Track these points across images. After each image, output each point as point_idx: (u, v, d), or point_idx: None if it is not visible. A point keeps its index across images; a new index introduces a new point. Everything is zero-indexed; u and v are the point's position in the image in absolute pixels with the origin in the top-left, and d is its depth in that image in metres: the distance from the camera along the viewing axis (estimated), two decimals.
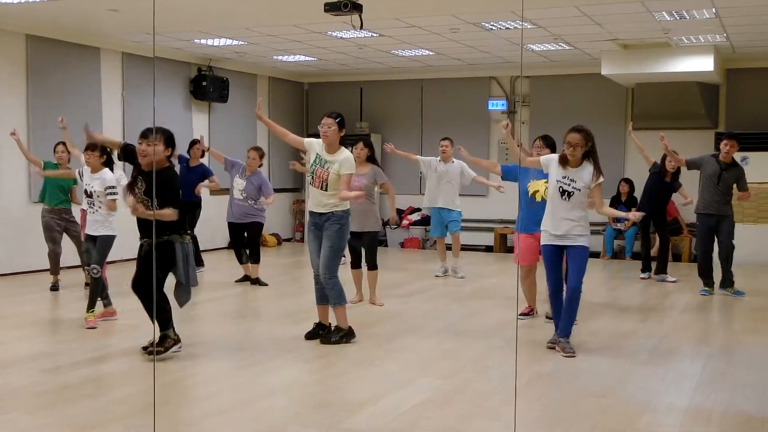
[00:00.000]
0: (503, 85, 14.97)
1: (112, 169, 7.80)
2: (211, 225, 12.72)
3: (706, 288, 9.88)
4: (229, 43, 12.32)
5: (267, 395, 5.47)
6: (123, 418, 4.89)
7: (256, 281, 10.05)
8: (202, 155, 11.14)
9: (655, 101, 13.26)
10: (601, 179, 6.51)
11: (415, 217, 15.21)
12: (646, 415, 5.11)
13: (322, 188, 6.80)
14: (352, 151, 8.28)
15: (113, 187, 7.56)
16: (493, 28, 10.78)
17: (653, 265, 11.21)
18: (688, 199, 10.94)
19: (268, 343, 7.01)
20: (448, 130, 15.01)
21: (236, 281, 10.22)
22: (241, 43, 12.33)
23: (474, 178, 10.84)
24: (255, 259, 10.07)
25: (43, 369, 5.97)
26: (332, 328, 6.99)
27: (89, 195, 7.64)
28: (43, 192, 9.33)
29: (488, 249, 14.70)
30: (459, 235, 11.11)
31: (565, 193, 6.48)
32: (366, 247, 8.68)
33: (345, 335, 6.92)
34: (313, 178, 6.87)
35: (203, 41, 12.19)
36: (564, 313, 6.62)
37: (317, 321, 7.07)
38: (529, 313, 8.17)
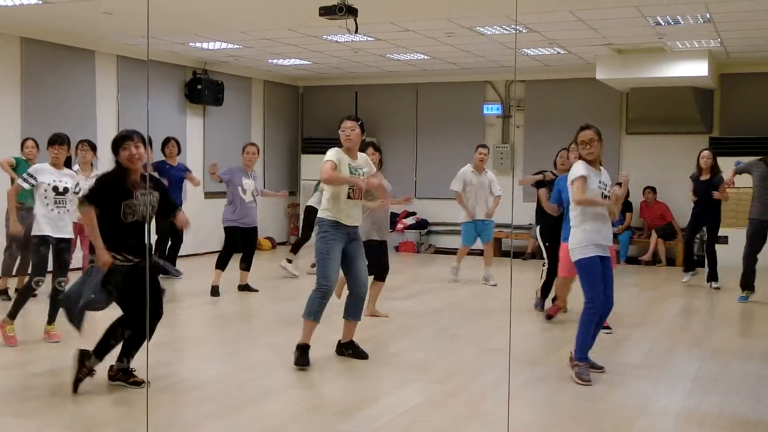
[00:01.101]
0: (498, 89, 14.99)
1: (71, 168, 7.37)
2: (206, 229, 12.68)
3: (746, 294, 9.55)
4: (224, 46, 12.31)
5: (261, 399, 5.45)
6: (116, 422, 4.88)
7: (246, 287, 9.82)
8: (179, 152, 10.96)
9: (650, 106, 13.29)
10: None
11: (410, 221, 15.22)
12: (640, 418, 5.11)
13: (362, 198, 6.49)
14: None
15: (79, 184, 7.09)
16: (488, 32, 10.79)
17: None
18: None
19: (262, 347, 7.00)
20: (443, 134, 15.08)
21: (212, 295, 9.50)
22: (236, 46, 12.32)
23: (495, 198, 10.71)
24: (249, 266, 9.82)
25: (35, 373, 5.95)
26: (352, 342, 6.61)
27: (60, 192, 6.95)
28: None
29: (482, 253, 14.68)
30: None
31: (606, 199, 6.04)
32: (384, 257, 8.21)
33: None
34: (353, 190, 6.34)
35: (198, 44, 12.19)
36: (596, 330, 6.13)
37: (300, 344, 6.35)
38: (555, 313, 8.19)
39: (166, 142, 10.89)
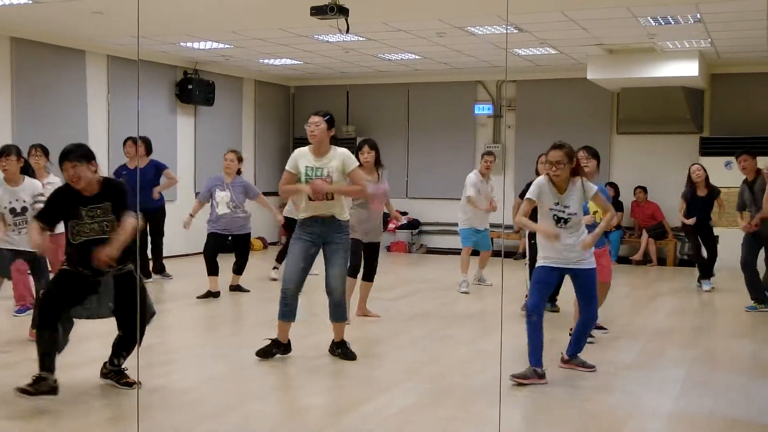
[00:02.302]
0: (489, 89, 14.99)
1: (31, 176, 6.99)
2: (197, 231, 12.63)
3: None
4: (215, 46, 12.29)
5: (252, 400, 5.45)
6: (106, 425, 4.86)
7: (237, 288, 9.75)
8: (149, 152, 10.38)
9: (641, 106, 13.32)
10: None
11: (402, 220, 15.20)
12: (631, 420, 5.12)
13: (328, 198, 6.21)
14: (358, 157, 7.74)
15: (43, 195, 6.58)
16: (479, 32, 10.80)
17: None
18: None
19: (253, 348, 6.98)
20: (435, 134, 15.09)
21: (198, 297, 9.37)
22: (227, 46, 12.29)
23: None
24: (241, 270, 9.71)
25: (22, 374, 5.92)
26: (342, 343, 6.54)
27: (18, 213, 6.75)
28: None
29: (475, 253, 14.69)
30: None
31: (561, 221, 5.91)
32: (374, 258, 8.18)
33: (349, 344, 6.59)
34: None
35: (189, 44, 12.15)
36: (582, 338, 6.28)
37: (274, 338, 6.46)
38: None
39: (126, 141, 10.50)
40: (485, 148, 14.75)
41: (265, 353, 6.42)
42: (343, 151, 6.35)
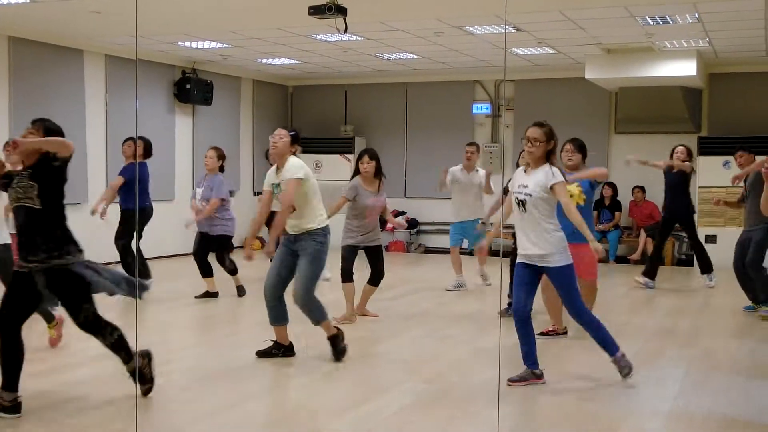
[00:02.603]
0: (488, 88, 14.99)
1: None
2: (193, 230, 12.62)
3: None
4: (213, 45, 12.28)
5: (250, 399, 5.45)
6: (104, 424, 4.86)
7: (240, 290, 9.46)
8: (148, 155, 9.77)
9: (639, 105, 13.32)
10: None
11: (400, 220, 15.17)
12: (629, 419, 5.13)
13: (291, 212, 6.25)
14: (358, 167, 8.04)
15: None
16: (478, 31, 10.80)
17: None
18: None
19: (250, 348, 6.98)
20: (433, 133, 15.08)
21: (197, 297, 9.31)
22: (225, 45, 12.29)
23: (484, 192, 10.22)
24: (230, 270, 9.43)
25: (22, 374, 5.91)
26: (336, 342, 6.43)
27: None
28: None
29: (471, 252, 14.70)
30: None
31: (519, 204, 5.68)
32: (378, 261, 8.19)
33: (341, 339, 6.47)
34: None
35: (187, 44, 12.15)
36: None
37: (274, 340, 6.50)
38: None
39: (125, 140, 10.03)
40: (483, 147, 14.80)
41: (264, 353, 6.44)
42: (292, 162, 6.25)
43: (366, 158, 8.06)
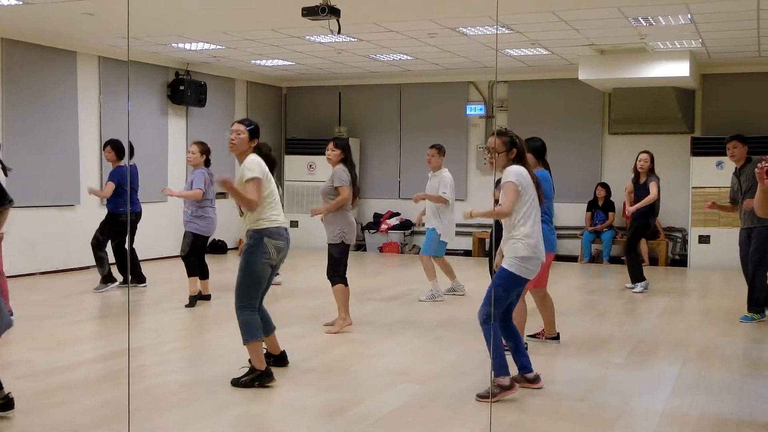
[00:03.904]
0: (481, 89, 15.01)
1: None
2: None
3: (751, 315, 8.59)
4: (206, 47, 12.27)
5: (244, 401, 5.44)
6: (98, 425, 4.84)
7: (206, 296, 9.25)
8: (132, 155, 9.51)
9: (632, 106, 13.35)
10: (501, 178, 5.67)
11: (394, 221, 15.20)
12: (622, 418, 5.13)
13: (240, 214, 5.93)
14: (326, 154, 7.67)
15: None
16: (471, 32, 10.80)
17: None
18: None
19: (243, 349, 6.96)
20: (427, 134, 15.05)
21: (186, 306, 9.01)
22: (218, 47, 12.28)
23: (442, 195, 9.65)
24: (202, 273, 9.19)
25: (17, 376, 5.90)
26: (275, 355, 6.19)
27: None
28: None
29: (466, 253, 14.73)
30: (444, 258, 9.95)
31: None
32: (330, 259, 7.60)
33: (257, 377, 5.79)
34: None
35: (180, 45, 12.13)
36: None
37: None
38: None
39: (105, 145, 9.99)
40: (477, 148, 14.83)
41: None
42: (248, 159, 5.89)
43: (330, 145, 7.66)
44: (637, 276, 10.41)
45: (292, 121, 16.19)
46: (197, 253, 9.18)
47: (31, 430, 4.74)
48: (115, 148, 9.84)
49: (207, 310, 8.99)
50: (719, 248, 10.81)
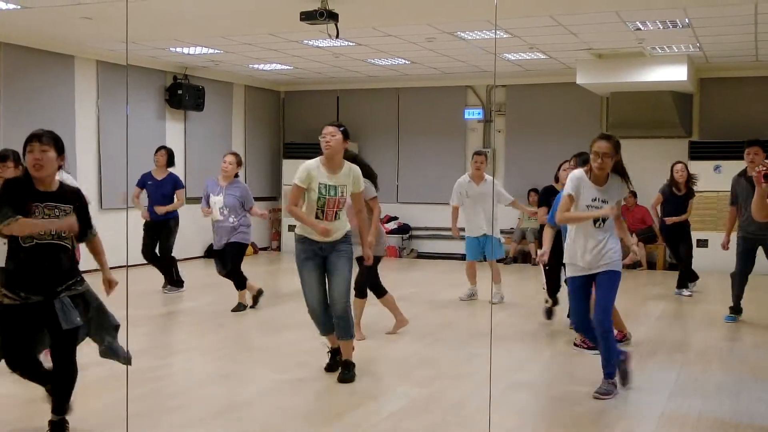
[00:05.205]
0: (479, 93, 15.02)
1: None
2: (187, 235, 12.62)
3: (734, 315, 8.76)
4: (204, 51, 12.27)
5: (241, 406, 5.43)
6: (97, 429, 4.83)
7: (239, 306, 8.99)
8: (171, 163, 10.15)
9: (630, 110, 13.36)
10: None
11: (392, 225, 15.20)
12: (621, 421, 5.13)
13: (337, 218, 5.91)
14: None
15: None
16: (469, 37, 10.82)
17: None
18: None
19: (242, 354, 6.97)
20: (425, 138, 15.12)
21: (233, 310, 8.96)
22: (217, 51, 12.28)
23: (513, 202, 9.84)
24: (237, 284, 8.96)
25: (15, 380, 5.88)
26: (343, 362, 6.10)
27: None
28: None
29: (464, 257, 14.70)
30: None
31: (599, 219, 5.67)
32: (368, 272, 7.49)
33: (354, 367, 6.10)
34: (324, 211, 5.86)
35: (179, 50, 12.14)
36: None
37: (333, 348, 6.26)
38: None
39: (158, 150, 10.20)
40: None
41: (331, 367, 6.23)
42: (357, 170, 6.01)
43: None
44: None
45: (290, 125, 16.19)
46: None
47: None
48: (168, 153, 10.17)
49: (205, 314, 8.97)
50: (717, 252, 10.75)
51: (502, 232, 9.35)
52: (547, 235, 7.22)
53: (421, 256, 15.12)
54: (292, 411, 5.36)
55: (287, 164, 15.44)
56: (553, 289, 8.19)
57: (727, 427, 5.06)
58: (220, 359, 6.77)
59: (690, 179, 10.25)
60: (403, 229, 15.25)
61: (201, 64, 13.57)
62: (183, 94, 13.53)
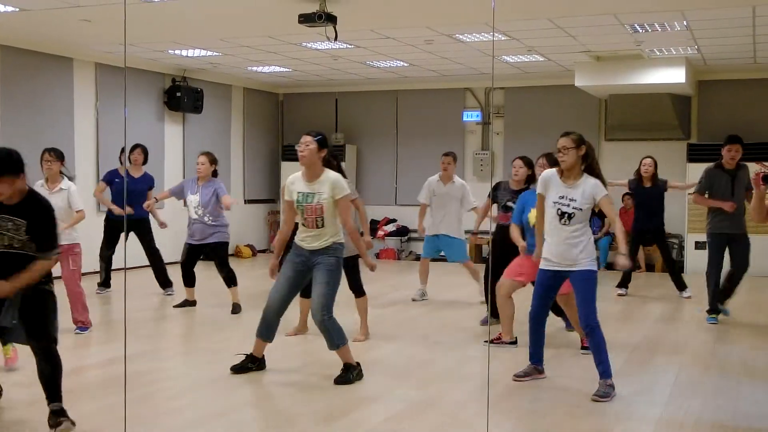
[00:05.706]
0: (478, 96, 15.03)
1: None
2: (179, 238, 12.60)
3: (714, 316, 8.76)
4: (203, 53, 12.27)
5: (239, 408, 5.43)
6: (94, 431, 4.84)
7: (236, 307, 9.00)
8: (145, 161, 10.13)
9: (628, 112, 13.37)
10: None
11: (391, 228, 15.20)
12: (619, 425, 5.13)
13: (318, 226, 5.95)
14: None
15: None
16: (467, 39, 10.82)
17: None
18: (682, 184, 10.98)
19: (239, 356, 6.95)
20: (423, 141, 15.11)
21: (174, 306, 9.20)
22: (215, 54, 12.29)
23: (474, 209, 9.64)
24: (230, 281, 9.03)
25: (13, 383, 5.89)
26: (343, 365, 6.08)
27: None
28: None
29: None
30: (470, 262, 9.96)
31: (564, 215, 5.76)
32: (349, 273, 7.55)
33: (358, 372, 6.11)
34: (304, 218, 5.97)
35: (177, 52, 12.14)
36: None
37: (249, 353, 6.29)
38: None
39: (134, 148, 10.12)
40: (474, 154, 14.85)
41: (240, 369, 6.24)
42: (334, 177, 6.03)
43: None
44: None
45: (289, 127, 16.19)
46: (195, 262, 9.18)
47: None
48: (144, 152, 10.16)
49: (203, 317, 8.97)
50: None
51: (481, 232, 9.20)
52: (515, 231, 7.19)
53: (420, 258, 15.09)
54: (290, 413, 5.36)
55: (286, 166, 15.42)
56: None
57: (725, 430, 5.07)
58: (218, 362, 6.76)
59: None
60: (402, 232, 15.25)
61: (200, 67, 13.58)
62: (182, 96, 13.53)
